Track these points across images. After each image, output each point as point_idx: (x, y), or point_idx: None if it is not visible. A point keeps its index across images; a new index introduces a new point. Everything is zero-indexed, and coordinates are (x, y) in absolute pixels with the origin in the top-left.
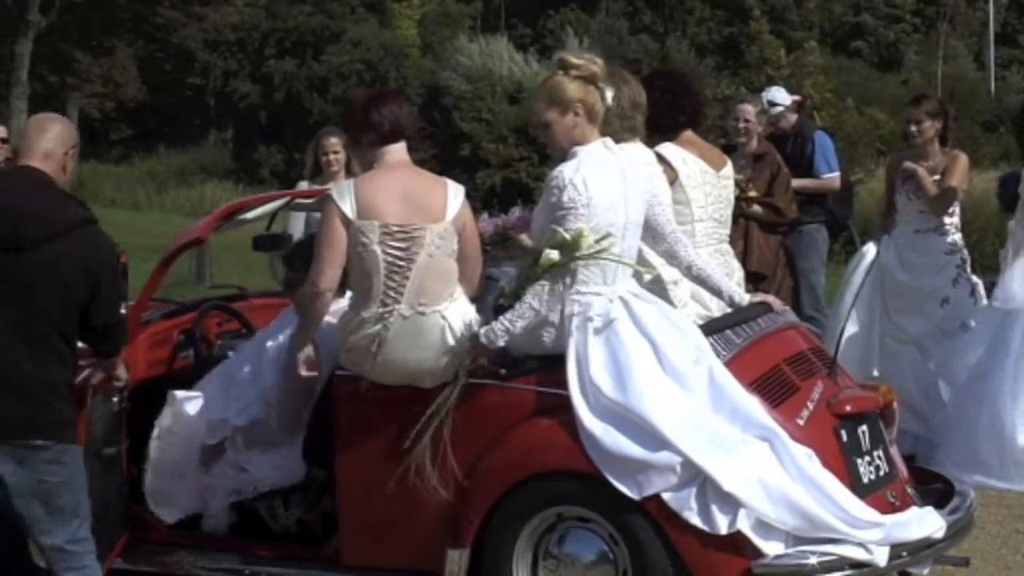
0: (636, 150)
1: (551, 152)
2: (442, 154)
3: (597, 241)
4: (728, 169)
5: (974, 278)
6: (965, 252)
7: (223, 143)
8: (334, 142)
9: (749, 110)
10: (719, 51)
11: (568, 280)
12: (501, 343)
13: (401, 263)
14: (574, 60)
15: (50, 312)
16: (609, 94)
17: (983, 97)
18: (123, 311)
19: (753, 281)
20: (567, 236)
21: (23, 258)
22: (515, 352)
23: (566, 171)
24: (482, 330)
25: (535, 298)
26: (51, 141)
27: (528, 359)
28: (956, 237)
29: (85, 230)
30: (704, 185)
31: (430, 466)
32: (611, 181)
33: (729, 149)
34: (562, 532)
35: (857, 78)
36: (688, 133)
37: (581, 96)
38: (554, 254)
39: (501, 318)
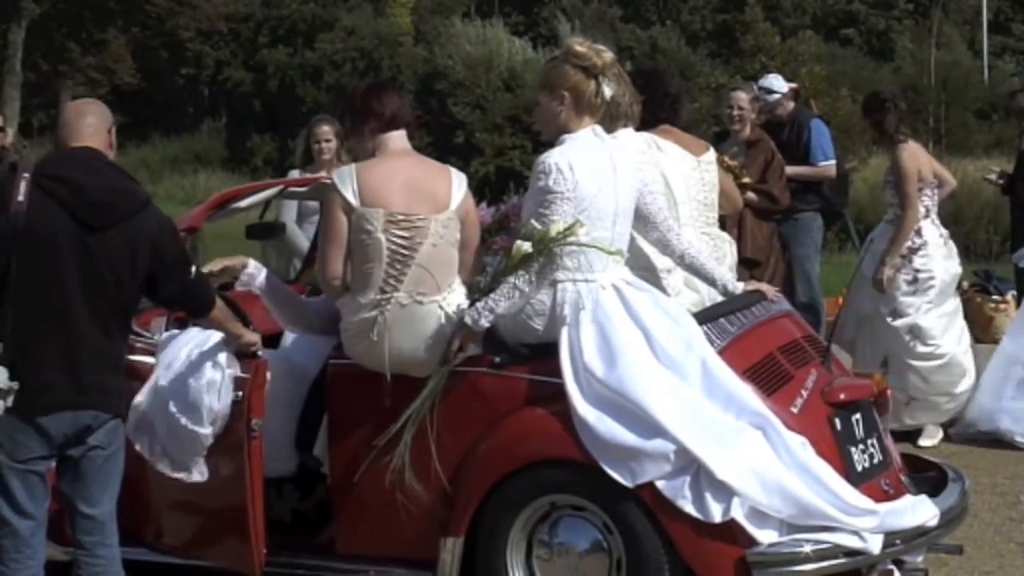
0: (629, 137)
1: (541, 135)
2: (436, 142)
3: (567, 229)
4: (709, 155)
5: (925, 268)
6: (929, 241)
7: (216, 131)
8: (326, 130)
9: (743, 97)
10: (712, 39)
11: (555, 265)
12: (485, 323)
13: (404, 252)
14: (576, 49)
15: (120, 288)
16: (608, 90)
17: (976, 85)
18: (194, 270)
19: (747, 268)
20: (538, 227)
21: (103, 236)
22: (509, 341)
23: (552, 156)
24: (466, 312)
25: (519, 278)
26: (92, 126)
27: (522, 347)
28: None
29: (151, 209)
30: (683, 168)
31: (419, 454)
32: (599, 167)
33: (723, 136)
34: (556, 521)
35: (850, 66)
36: (665, 125)
37: (572, 84)
38: (526, 245)
39: (484, 298)
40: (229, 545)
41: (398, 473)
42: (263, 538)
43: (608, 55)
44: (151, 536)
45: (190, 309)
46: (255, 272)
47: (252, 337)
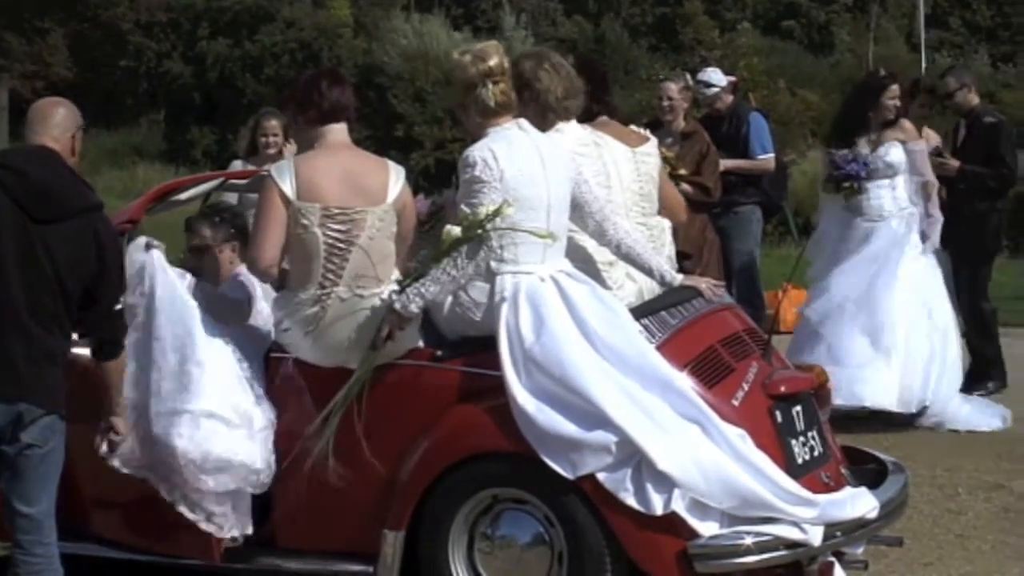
0: (573, 130)
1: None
2: (376, 135)
3: (496, 210)
4: (647, 147)
5: None
6: None
7: (155, 124)
8: (274, 124)
9: (671, 88)
10: (652, 32)
11: (486, 250)
12: (414, 308)
13: (341, 246)
14: (454, 59)
15: (60, 283)
16: (485, 93)
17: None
18: (120, 306)
19: (678, 259)
20: (468, 212)
21: (48, 230)
22: (449, 334)
23: (475, 149)
24: (395, 297)
25: (449, 263)
26: (57, 127)
27: (462, 341)
28: None
29: (99, 213)
30: (618, 158)
31: (360, 448)
32: (525, 158)
33: (655, 126)
34: (498, 514)
35: (790, 59)
36: (603, 118)
37: (461, 98)
38: (456, 230)
39: (414, 284)
40: (188, 536)
41: (324, 461)
42: None
43: (487, 63)
44: (99, 531)
45: (106, 341)
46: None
47: (119, 422)
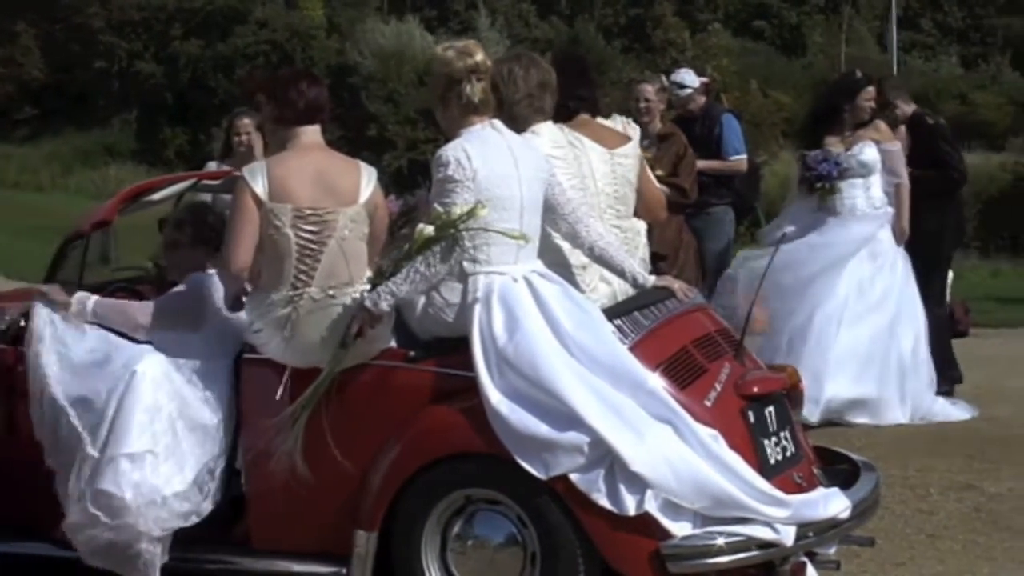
0: (548, 131)
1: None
2: (348, 135)
3: (470, 210)
4: (627, 148)
5: None
6: None
7: (127, 124)
8: (247, 123)
9: (648, 89)
10: (625, 33)
11: (458, 250)
12: (385, 306)
13: (313, 246)
14: (438, 54)
15: None
16: (469, 89)
17: (886, 80)
18: None
19: (653, 261)
20: (441, 211)
21: None
22: (421, 334)
23: (448, 149)
24: (366, 295)
25: (421, 262)
26: None
27: (435, 341)
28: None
29: None
30: (594, 160)
31: (333, 447)
32: (499, 158)
33: None
34: (471, 515)
35: (761, 60)
36: (583, 116)
37: (442, 92)
38: (429, 229)
39: (386, 282)
40: None
41: (312, 467)
42: None
43: (473, 59)
44: (60, 533)
45: None
46: (83, 301)
47: None
